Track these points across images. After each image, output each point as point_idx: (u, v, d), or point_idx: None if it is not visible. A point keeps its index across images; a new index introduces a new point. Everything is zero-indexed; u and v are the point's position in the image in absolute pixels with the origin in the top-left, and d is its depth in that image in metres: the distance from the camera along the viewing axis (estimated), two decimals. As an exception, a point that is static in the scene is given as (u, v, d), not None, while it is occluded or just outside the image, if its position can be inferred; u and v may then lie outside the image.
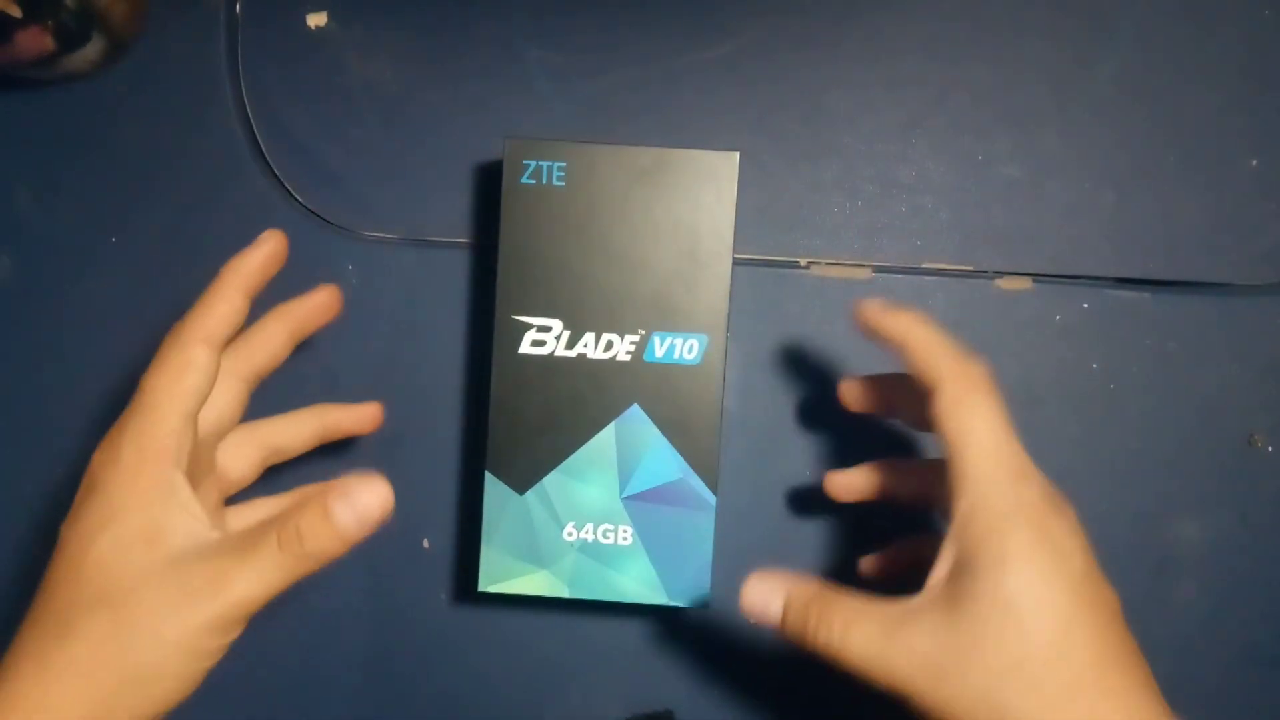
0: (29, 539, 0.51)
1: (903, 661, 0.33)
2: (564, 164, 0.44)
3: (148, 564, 0.33)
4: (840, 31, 0.50)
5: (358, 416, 0.45)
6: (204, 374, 0.36)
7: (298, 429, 0.43)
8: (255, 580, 0.33)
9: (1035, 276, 0.49)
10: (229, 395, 0.40)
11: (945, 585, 0.34)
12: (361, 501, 0.34)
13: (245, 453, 0.41)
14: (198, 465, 0.37)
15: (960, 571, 0.33)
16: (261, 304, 0.51)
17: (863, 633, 0.34)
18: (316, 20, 0.51)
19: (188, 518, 0.34)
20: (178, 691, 0.33)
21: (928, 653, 0.33)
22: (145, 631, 0.32)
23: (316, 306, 0.43)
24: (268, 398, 0.51)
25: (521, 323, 0.44)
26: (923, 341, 0.37)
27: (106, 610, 0.32)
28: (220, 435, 0.40)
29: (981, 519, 0.34)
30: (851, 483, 0.44)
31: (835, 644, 0.34)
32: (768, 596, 0.37)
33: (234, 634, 0.34)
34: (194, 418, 0.35)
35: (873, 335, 0.39)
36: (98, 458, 0.35)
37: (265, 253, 0.39)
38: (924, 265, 0.49)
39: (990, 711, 0.32)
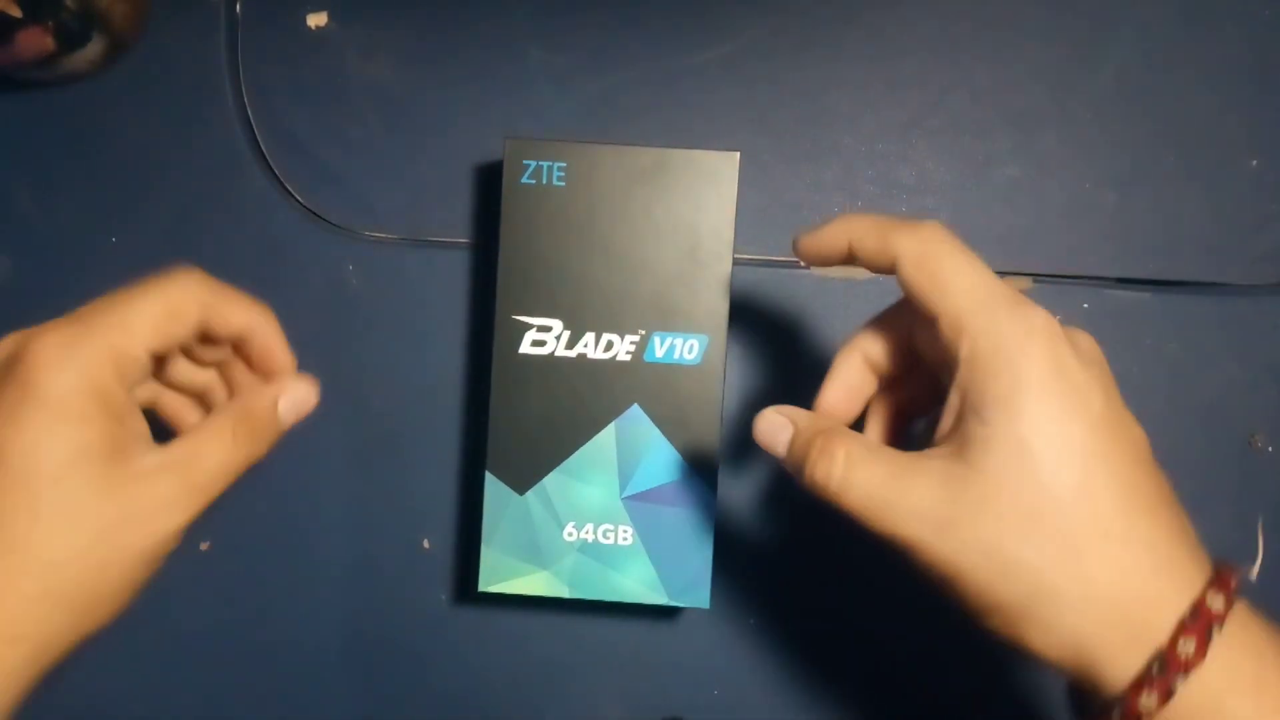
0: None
1: (906, 510, 0.30)
2: (564, 164, 0.44)
3: (84, 452, 0.32)
4: (841, 32, 0.50)
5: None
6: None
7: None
8: (213, 461, 0.34)
9: (1035, 276, 0.49)
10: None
11: (953, 433, 0.31)
12: (299, 396, 0.38)
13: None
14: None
15: (967, 416, 0.30)
16: (262, 300, 0.51)
17: (867, 474, 0.31)
18: (317, 20, 0.51)
19: (126, 418, 0.34)
20: (107, 600, 0.33)
21: (934, 501, 0.30)
22: (86, 513, 0.32)
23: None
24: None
25: (522, 323, 0.44)
26: (865, 228, 0.33)
27: (40, 494, 0.31)
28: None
29: (984, 357, 0.30)
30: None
31: (835, 482, 0.31)
32: (778, 426, 0.34)
33: (170, 537, 0.34)
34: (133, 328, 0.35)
35: (818, 258, 0.35)
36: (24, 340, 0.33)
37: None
38: (924, 265, 0.49)
39: (1001, 565, 0.29)
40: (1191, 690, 0.27)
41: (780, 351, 0.50)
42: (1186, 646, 0.27)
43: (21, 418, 0.31)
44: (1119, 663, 0.28)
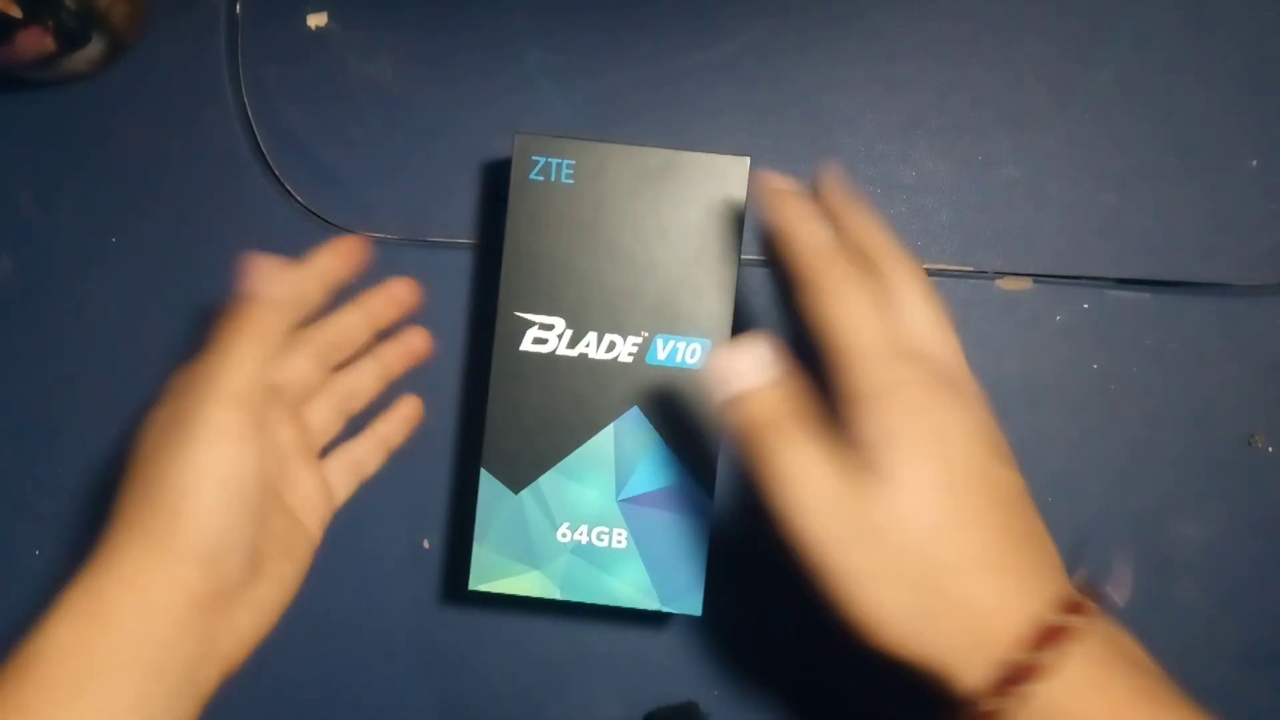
0: (30, 537, 0.51)
1: (807, 523, 0.34)
2: (573, 162, 0.44)
3: (163, 420, 0.37)
4: (841, 32, 0.50)
5: (407, 350, 0.47)
6: (275, 337, 0.39)
7: (362, 375, 0.46)
8: (229, 371, 0.37)
9: (1036, 277, 0.49)
10: (304, 363, 0.43)
11: (847, 449, 0.34)
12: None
13: (323, 410, 0.45)
14: (278, 414, 0.41)
15: (851, 448, 0.33)
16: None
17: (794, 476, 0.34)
18: (316, 20, 0.51)
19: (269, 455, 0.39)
20: (234, 526, 0.37)
21: (827, 521, 0.33)
22: (173, 469, 0.36)
23: (391, 296, 0.46)
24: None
25: (524, 320, 0.44)
26: (788, 237, 0.37)
27: (139, 468, 0.37)
28: (302, 398, 0.44)
29: (856, 401, 0.33)
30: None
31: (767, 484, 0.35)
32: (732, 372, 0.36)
33: (246, 441, 0.37)
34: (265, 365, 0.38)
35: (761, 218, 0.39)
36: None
37: (352, 250, 0.43)
38: (925, 266, 0.49)
39: (873, 587, 0.32)
40: (1039, 697, 0.30)
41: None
42: (1032, 658, 0.30)
43: (184, 445, 0.36)
44: (971, 673, 0.31)
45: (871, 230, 0.38)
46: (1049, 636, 0.31)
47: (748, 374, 0.35)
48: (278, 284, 0.39)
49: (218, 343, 0.38)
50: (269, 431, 0.39)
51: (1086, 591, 0.32)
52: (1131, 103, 0.49)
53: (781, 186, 0.38)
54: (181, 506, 0.36)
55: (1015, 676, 0.31)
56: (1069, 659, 0.30)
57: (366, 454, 0.46)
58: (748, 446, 0.35)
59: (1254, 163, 0.49)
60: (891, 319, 0.35)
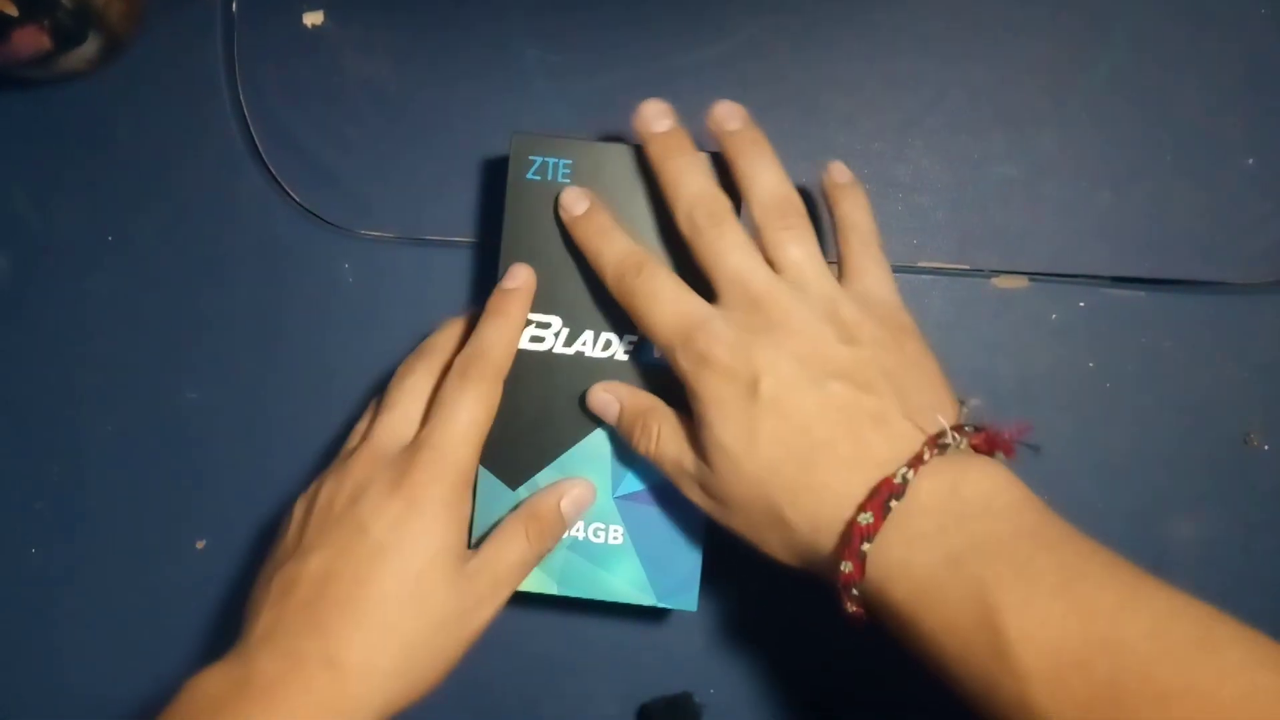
0: (29, 537, 0.51)
1: (688, 476, 0.40)
2: (570, 161, 0.44)
3: (448, 572, 0.40)
4: (837, 31, 0.50)
5: None
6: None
7: None
8: (519, 568, 0.42)
9: (1031, 275, 0.49)
10: None
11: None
12: (579, 494, 0.44)
13: None
14: None
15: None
16: (257, 304, 0.51)
17: (672, 448, 0.41)
18: (313, 19, 0.51)
19: (463, 534, 0.42)
20: (438, 683, 0.41)
21: (698, 470, 0.40)
22: (444, 635, 0.40)
23: None
24: (265, 399, 0.51)
25: None
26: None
27: (411, 612, 0.39)
28: None
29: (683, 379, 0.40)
30: None
31: (652, 454, 0.41)
32: (606, 403, 0.43)
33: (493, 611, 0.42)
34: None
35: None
36: (419, 475, 0.40)
37: (530, 280, 0.45)
38: (921, 264, 0.49)
39: (740, 510, 0.39)
40: (878, 552, 0.34)
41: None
42: (865, 518, 0.34)
43: (405, 523, 0.39)
44: (825, 546, 0.36)
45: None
46: (876, 493, 0.35)
47: (608, 409, 0.43)
48: (584, 507, 0.44)
49: (513, 538, 0.42)
50: None
51: (936, 442, 0.36)
52: (1127, 101, 0.49)
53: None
54: (447, 671, 0.41)
55: (848, 537, 0.35)
56: (896, 512, 0.34)
57: None
58: (643, 455, 0.42)
59: (1250, 161, 0.49)
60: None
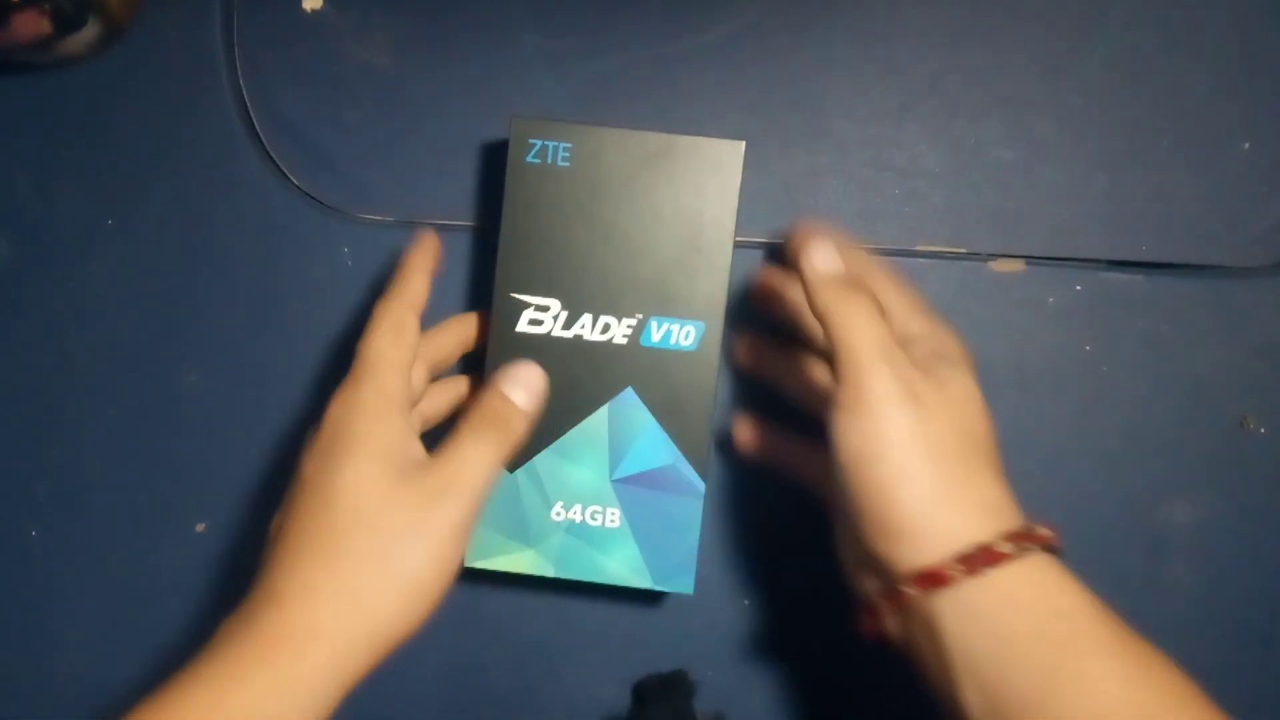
0: (30, 520, 0.51)
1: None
2: (570, 145, 0.44)
3: (388, 485, 0.38)
4: (834, 16, 0.50)
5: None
6: (414, 336, 0.42)
7: (446, 342, 0.47)
8: (474, 465, 0.40)
9: (1028, 259, 0.49)
10: (419, 372, 0.44)
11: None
12: (524, 378, 0.43)
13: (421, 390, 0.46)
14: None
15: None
16: (256, 288, 0.51)
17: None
18: (312, 4, 0.51)
19: (414, 448, 0.41)
20: (431, 599, 0.39)
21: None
22: (400, 542, 0.38)
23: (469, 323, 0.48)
24: (264, 382, 0.51)
25: (519, 301, 0.45)
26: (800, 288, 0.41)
27: (363, 533, 0.38)
28: (417, 395, 0.45)
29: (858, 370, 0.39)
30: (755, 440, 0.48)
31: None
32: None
33: (466, 537, 0.40)
34: (409, 372, 0.42)
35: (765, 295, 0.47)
36: (336, 408, 0.40)
37: (436, 242, 0.45)
38: (917, 248, 0.49)
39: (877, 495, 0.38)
40: (951, 600, 0.36)
41: (776, 332, 0.50)
42: (956, 570, 0.35)
43: (329, 454, 0.39)
44: (902, 556, 0.37)
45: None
46: (983, 553, 0.36)
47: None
48: (537, 398, 0.43)
49: (477, 437, 0.40)
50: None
51: (1032, 530, 0.37)
52: (1124, 85, 0.49)
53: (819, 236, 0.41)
54: (416, 600, 0.38)
55: (935, 574, 0.36)
56: (986, 577, 0.36)
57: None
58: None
59: (1246, 145, 0.49)
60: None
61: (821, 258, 0.40)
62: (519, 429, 0.42)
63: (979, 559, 0.35)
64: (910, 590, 0.36)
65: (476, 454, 0.40)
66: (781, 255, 0.46)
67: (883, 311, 0.40)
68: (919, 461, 0.37)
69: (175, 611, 0.51)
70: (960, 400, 0.39)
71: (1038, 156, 0.49)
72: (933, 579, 0.36)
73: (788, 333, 0.47)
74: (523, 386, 0.43)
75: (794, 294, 0.45)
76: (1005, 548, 0.36)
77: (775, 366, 0.48)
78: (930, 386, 0.38)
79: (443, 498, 0.39)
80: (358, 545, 0.37)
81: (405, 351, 0.41)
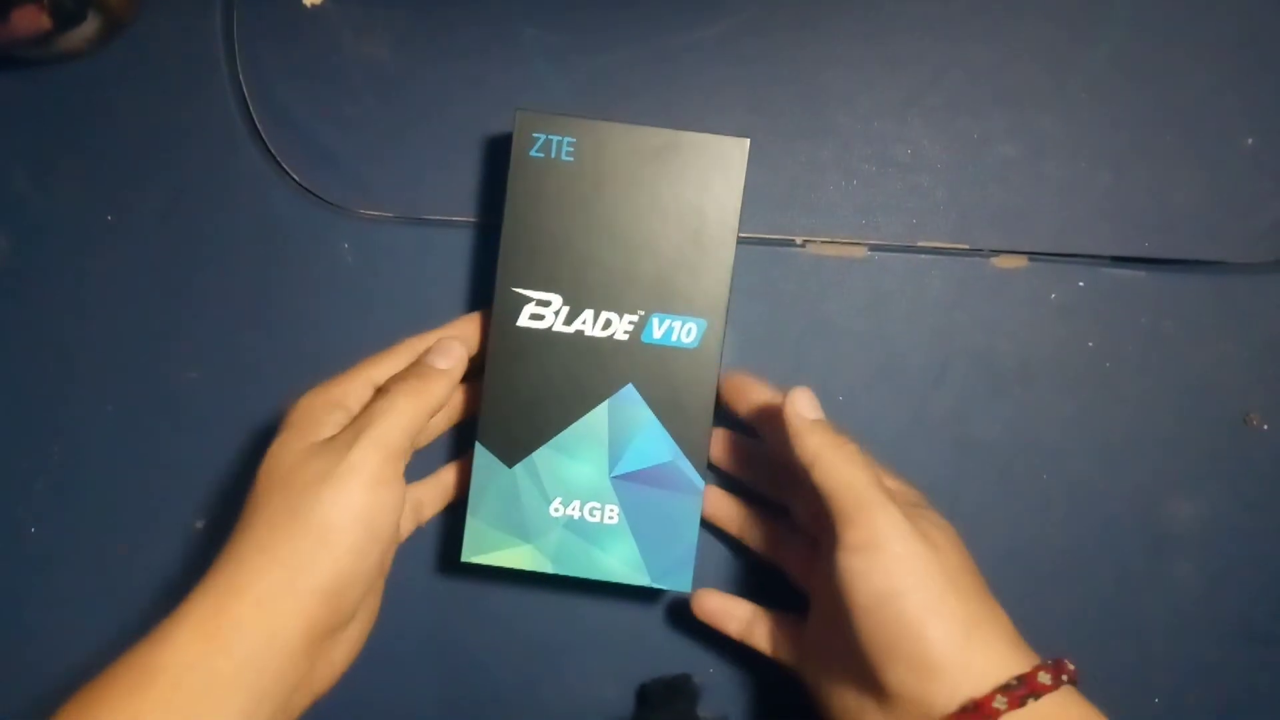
0: (28, 517, 0.51)
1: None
2: (574, 139, 0.44)
3: (307, 451, 0.40)
4: (837, 10, 0.50)
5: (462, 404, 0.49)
6: (398, 367, 0.45)
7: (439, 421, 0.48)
8: (383, 414, 0.40)
9: (1031, 255, 0.49)
10: None
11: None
12: (442, 348, 0.44)
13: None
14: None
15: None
16: (256, 284, 0.51)
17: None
18: (313, -2, 0.51)
19: (341, 423, 0.42)
20: (350, 545, 0.39)
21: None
22: (309, 493, 0.39)
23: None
24: (263, 379, 0.51)
25: (521, 295, 0.44)
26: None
27: (278, 494, 0.39)
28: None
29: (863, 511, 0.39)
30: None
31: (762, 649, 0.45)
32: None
33: (385, 487, 0.40)
34: (370, 389, 0.44)
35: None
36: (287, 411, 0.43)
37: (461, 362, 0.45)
38: (920, 243, 0.49)
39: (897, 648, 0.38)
40: None
41: (775, 331, 0.50)
42: (1000, 702, 0.36)
43: (270, 447, 0.41)
44: (937, 700, 0.37)
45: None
46: (1025, 683, 0.36)
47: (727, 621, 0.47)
48: (456, 361, 0.44)
49: (390, 394, 0.41)
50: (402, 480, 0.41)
51: (1061, 664, 0.38)
52: (1128, 81, 0.49)
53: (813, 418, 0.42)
54: (327, 542, 0.38)
55: (982, 708, 0.36)
56: (1034, 705, 0.36)
57: (428, 498, 0.48)
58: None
59: (1250, 141, 0.49)
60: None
61: (807, 405, 0.42)
62: (435, 385, 0.42)
63: (1020, 690, 0.36)
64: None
65: (388, 405, 0.41)
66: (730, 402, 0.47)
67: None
68: (946, 596, 0.37)
69: (173, 608, 0.51)
70: (956, 541, 0.40)
71: (1041, 152, 0.49)
72: (979, 713, 0.36)
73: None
74: (441, 353, 0.44)
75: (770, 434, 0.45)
76: (1044, 679, 0.36)
77: (755, 473, 0.48)
78: (930, 525, 0.40)
79: (351, 447, 0.39)
80: (272, 504, 0.39)
81: (381, 368, 0.44)
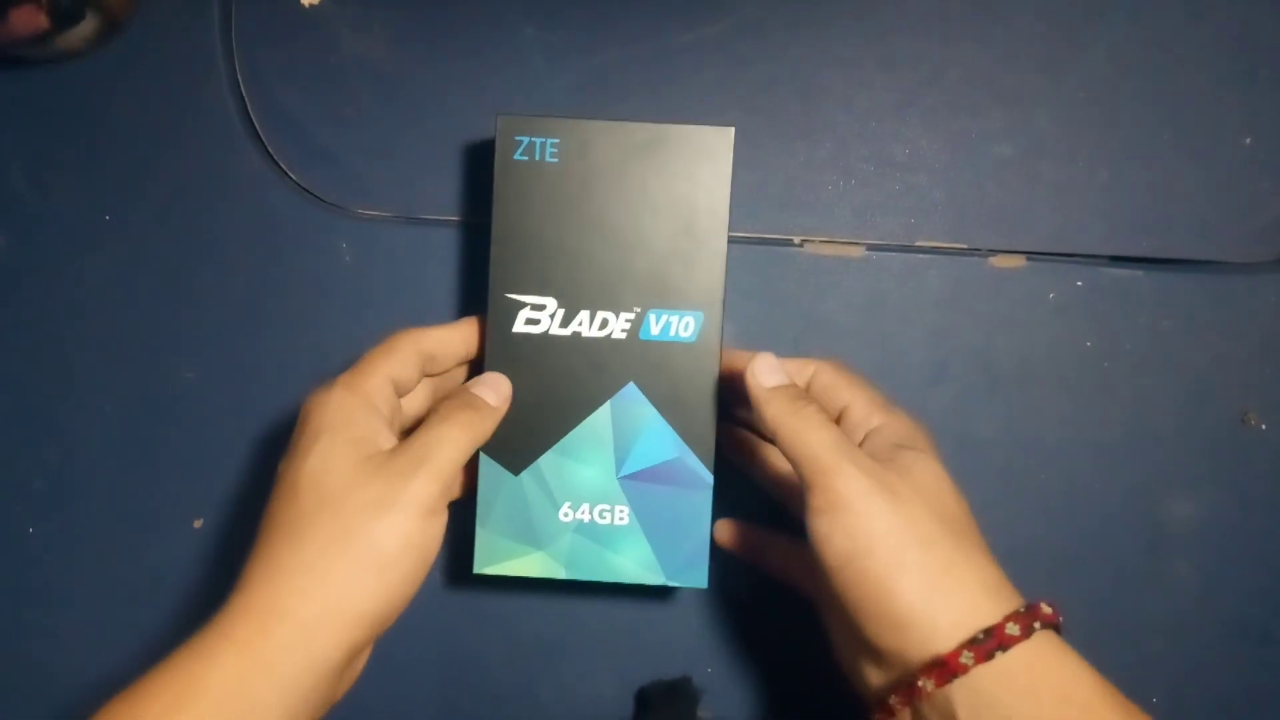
0: (27, 517, 0.51)
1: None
2: (557, 140, 0.44)
3: (353, 467, 0.39)
4: (834, 10, 0.50)
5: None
6: (410, 360, 0.43)
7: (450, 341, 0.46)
8: (442, 443, 0.40)
9: (1029, 254, 0.49)
10: (419, 397, 0.46)
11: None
12: (492, 382, 0.44)
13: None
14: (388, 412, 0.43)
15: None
16: (254, 283, 0.51)
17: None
18: (310, -2, 0.51)
19: (384, 437, 0.41)
20: (402, 577, 0.38)
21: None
22: (364, 520, 0.38)
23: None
24: (262, 378, 0.51)
25: (515, 301, 0.44)
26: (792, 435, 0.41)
27: (328, 512, 0.38)
28: (408, 419, 0.45)
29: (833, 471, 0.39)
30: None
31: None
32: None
33: (437, 518, 0.39)
34: (390, 384, 0.42)
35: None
36: (308, 405, 0.41)
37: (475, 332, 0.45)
38: (917, 243, 0.49)
39: (874, 591, 0.38)
40: (963, 689, 0.36)
41: (774, 330, 0.50)
42: (967, 657, 0.36)
43: (306, 451, 0.39)
44: (910, 650, 0.37)
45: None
46: (992, 635, 0.36)
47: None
48: (505, 401, 0.43)
49: (447, 422, 0.41)
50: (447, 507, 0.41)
51: (1037, 610, 0.37)
52: (1124, 80, 0.49)
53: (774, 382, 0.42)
54: (382, 570, 0.38)
55: (946, 664, 0.36)
56: (1003, 657, 0.36)
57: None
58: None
59: (1247, 140, 0.49)
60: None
61: (766, 373, 0.41)
62: (487, 420, 0.42)
63: (988, 644, 0.36)
64: (924, 684, 0.36)
65: (445, 434, 0.40)
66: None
67: (834, 415, 0.41)
68: (909, 550, 0.37)
69: (173, 608, 0.51)
70: (929, 484, 0.40)
71: (1039, 152, 0.49)
72: (945, 668, 0.36)
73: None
74: (490, 388, 0.43)
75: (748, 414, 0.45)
76: (1013, 629, 0.36)
77: (752, 464, 0.48)
78: (896, 475, 0.39)
79: (409, 476, 0.39)
80: (322, 525, 0.38)
81: (392, 363, 0.42)
